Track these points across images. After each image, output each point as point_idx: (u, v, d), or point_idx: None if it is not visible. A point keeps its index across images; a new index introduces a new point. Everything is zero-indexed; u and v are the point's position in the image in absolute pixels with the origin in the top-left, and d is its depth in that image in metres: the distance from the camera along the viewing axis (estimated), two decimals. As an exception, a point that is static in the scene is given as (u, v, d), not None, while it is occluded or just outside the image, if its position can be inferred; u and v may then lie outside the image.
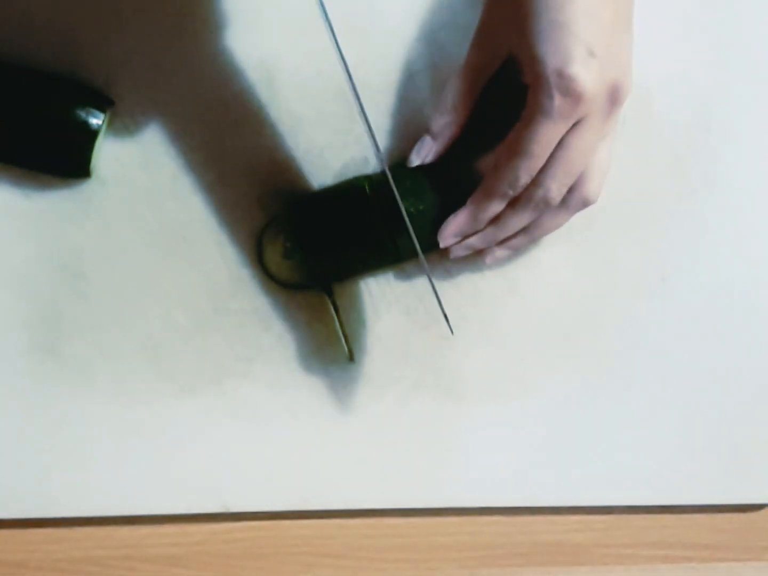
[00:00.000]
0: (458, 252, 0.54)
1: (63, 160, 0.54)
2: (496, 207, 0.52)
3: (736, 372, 0.59)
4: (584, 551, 0.60)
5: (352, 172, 0.56)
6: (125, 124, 0.55)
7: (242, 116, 0.55)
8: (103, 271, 0.56)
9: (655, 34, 0.56)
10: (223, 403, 0.57)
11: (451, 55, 0.55)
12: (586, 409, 0.58)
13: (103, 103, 0.54)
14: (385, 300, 0.57)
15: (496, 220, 0.53)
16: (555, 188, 0.50)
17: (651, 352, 0.58)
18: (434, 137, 0.53)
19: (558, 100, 0.46)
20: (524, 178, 0.50)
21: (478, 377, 0.58)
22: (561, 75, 0.46)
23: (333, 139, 0.56)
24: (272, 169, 0.56)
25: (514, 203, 0.51)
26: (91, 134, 0.53)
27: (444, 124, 0.53)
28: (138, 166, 0.55)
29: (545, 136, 0.48)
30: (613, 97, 0.47)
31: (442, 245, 0.54)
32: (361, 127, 0.55)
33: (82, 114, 0.53)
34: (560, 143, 0.48)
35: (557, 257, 0.57)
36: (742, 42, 0.57)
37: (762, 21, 0.57)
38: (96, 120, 0.53)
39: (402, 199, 0.52)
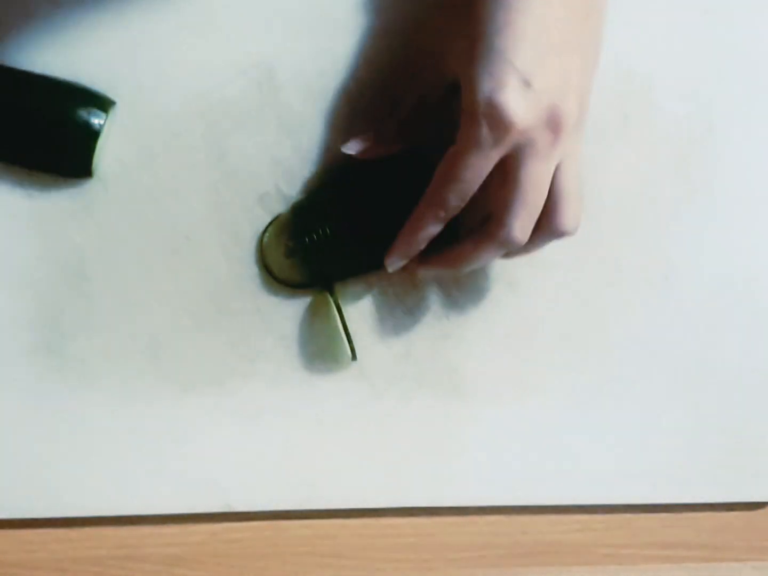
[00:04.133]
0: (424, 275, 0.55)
1: (65, 160, 0.54)
2: (432, 229, 0.51)
3: (737, 370, 0.59)
4: (584, 551, 0.60)
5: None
6: (126, 125, 0.55)
7: (243, 115, 0.55)
8: (105, 270, 0.56)
9: (657, 32, 0.56)
10: (225, 402, 0.57)
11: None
12: (586, 409, 0.59)
13: (104, 103, 0.54)
14: (387, 299, 0.57)
15: (461, 256, 0.51)
16: (518, 227, 0.48)
17: (653, 351, 0.59)
18: (378, 141, 0.52)
19: (485, 129, 0.45)
20: (454, 201, 0.49)
21: (479, 376, 0.58)
22: (490, 104, 0.45)
23: (334, 138, 0.56)
24: (274, 168, 0.56)
25: (478, 241, 0.50)
26: (93, 134, 0.53)
27: (390, 135, 0.52)
28: (139, 166, 0.55)
29: (475, 163, 0.47)
30: (553, 125, 0.46)
31: (389, 270, 0.53)
32: (362, 126, 0.55)
33: (84, 114, 0.53)
34: (511, 179, 0.47)
35: (559, 256, 0.57)
36: (744, 40, 0.57)
37: (763, 18, 0.57)
38: (98, 120, 0.53)
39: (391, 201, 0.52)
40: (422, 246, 0.52)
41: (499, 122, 0.45)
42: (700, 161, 0.58)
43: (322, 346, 0.57)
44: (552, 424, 0.58)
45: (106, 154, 0.55)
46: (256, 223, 0.56)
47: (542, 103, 0.45)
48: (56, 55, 0.54)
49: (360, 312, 0.57)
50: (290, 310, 0.57)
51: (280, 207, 0.56)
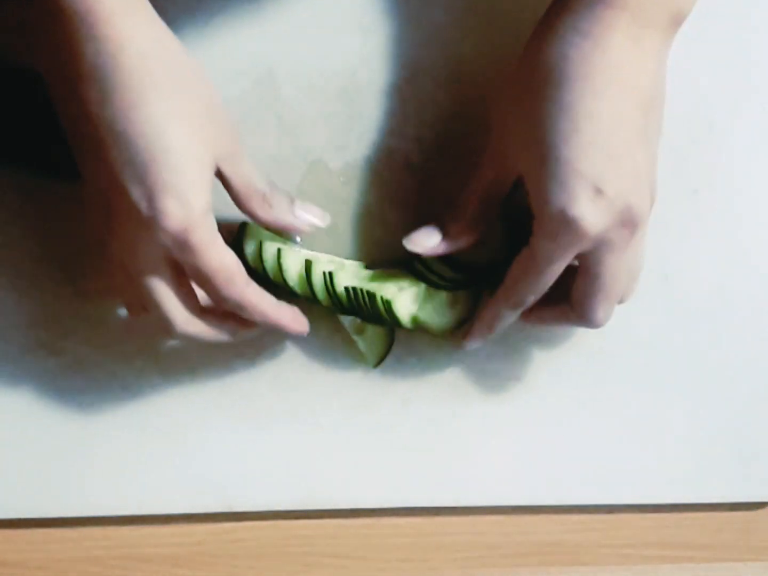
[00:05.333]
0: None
1: (65, 162, 0.54)
2: (509, 319, 0.52)
3: (737, 370, 0.59)
4: (584, 551, 0.60)
5: (353, 171, 0.56)
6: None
7: (243, 115, 0.55)
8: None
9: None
10: (225, 402, 0.57)
11: (453, 54, 0.55)
12: (586, 409, 0.58)
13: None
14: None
15: (538, 321, 0.54)
16: (601, 313, 0.49)
17: (653, 351, 0.58)
18: (445, 238, 0.52)
19: (560, 239, 0.45)
20: (532, 296, 0.50)
21: (479, 376, 0.58)
22: (563, 217, 0.45)
23: (334, 138, 0.56)
24: (273, 168, 0.55)
25: (560, 318, 0.52)
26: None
27: (458, 231, 0.52)
28: (139, 166, 0.55)
29: (549, 267, 0.47)
30: (627, 223, 0.46)
31: (465, 347, 0.55)
32: (363, 126, 0.56)
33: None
34: (591, 273, 0.48)
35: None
36: (744, 39, 0.57)
37: (763, 18, 0.57)
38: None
39: None
40: (500, 330, 0.53)
41: (573, 234, 0.45)
42: (699, 161, 0.58)
43: (323, 347, 0.57)
44: (552, 425, 0.58)
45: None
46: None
47: (616, 207, 0.45)
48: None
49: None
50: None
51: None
